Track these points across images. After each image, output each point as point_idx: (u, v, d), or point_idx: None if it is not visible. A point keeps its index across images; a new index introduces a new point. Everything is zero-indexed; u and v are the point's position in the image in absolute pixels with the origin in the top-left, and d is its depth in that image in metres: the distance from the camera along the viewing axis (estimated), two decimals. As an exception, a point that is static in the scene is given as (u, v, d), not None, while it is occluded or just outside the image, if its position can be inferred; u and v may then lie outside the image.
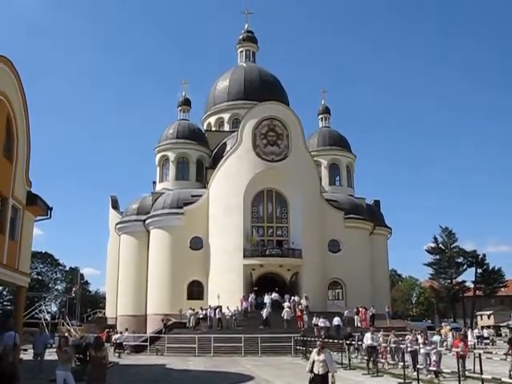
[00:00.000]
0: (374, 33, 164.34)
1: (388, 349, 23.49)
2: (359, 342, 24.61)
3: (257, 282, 45.89)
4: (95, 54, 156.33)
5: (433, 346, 20.09)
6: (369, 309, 41.41)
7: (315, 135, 57.55)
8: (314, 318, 37.24)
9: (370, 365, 21.71)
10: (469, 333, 36.52)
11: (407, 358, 20.33)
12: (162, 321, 39.56)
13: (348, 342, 25.11)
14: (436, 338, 22.35)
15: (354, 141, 77.12)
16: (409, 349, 20.57)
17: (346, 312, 39.88)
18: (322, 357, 13.11)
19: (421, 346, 20.15)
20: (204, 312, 39.79)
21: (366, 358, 22.88)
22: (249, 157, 47.58)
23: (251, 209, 47.69)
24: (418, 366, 18.54)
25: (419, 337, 21.33)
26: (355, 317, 40.56)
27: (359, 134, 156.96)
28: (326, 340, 27.24)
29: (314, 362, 13.28)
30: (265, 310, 38.85)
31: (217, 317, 38.78)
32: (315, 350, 13.40)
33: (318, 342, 13.68)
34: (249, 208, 47.32)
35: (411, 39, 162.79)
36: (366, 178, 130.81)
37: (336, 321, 38.07)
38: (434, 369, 18.73)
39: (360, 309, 40.99)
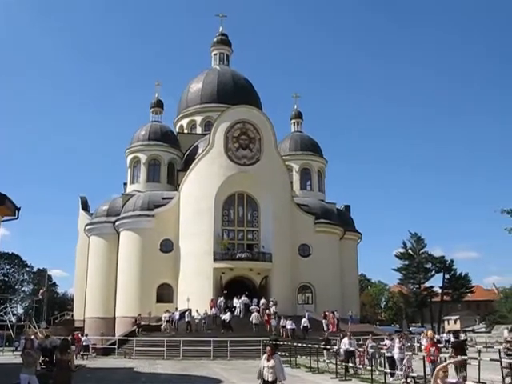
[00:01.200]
0: (348, 37, 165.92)
1: (365, 354, 23.24)
2: (335, 347, 24.24)
3: (226, 285, 45.80)
4: (65, 53, 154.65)
5: (409, 352, 20.00)
6: (335, 313, 41.67)
7: (287, 140, 57.76)
8: (282, 320, 37.68)
9: (351, 370, 21.61)
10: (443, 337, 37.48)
11: (385, 362, 20.52)
12: (135, 321, 39.23)
13: (327, 346, 25.00)
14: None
15: (325, 146, 77.89)
16: (386, 354, 20.54)
17: (306, 315, 39.96)
18: (271, 363, 12.60)
19: (397, 350, 20.01)
20: (168, 315, 39.36)
21: (343, 362, 22.58)
22: (220, 160, 47.55)
23: (222, 212, 47.63)
24: (397, 372, 18.64)
25: (396, 341, 20.95)
26: (323, 321, 40.86)
27: (331, 139, 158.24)
28: (300, 344, 27.57)
29: (263, 367, 12.69)
30: (227, 314, 38.91)
31: (186, 320, 38.70)
32: (264, 356, 12.89)
33: (267, 348, 13.14)
34: (220, 211, 47.26)
35: (385, 44, 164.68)
36: (337, 183, 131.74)
37: (304, 322, 38.67)
38: (409, 374, 18.60)
39: (327, 313, 41.29)
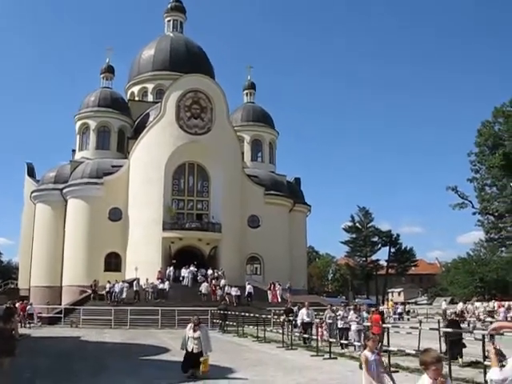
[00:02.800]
0: (303, 12, 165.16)
1: (324, 325, 22.19)
2: (294, 318, 23.81)
3: (175, 255, 45.80)
4: (12, 15, 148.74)
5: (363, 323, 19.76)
6: (277, 284, 42.31)
7: (239, 110, 57.51)
8: (227, 287, 38.25)
9: (314, 342, 20.58)
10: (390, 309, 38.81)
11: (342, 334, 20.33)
12: (91, 286, 38.79)
13: (288, 318, 24.09)
14: (365, 314, 21.81)
15: (277, 118, 77.66)
16: (339, 325, 20.36)
17: (247, 288, 40.54)
18: (197, 333, 12.34)
19: (352, 322, 19.76)
20: (108, 286, 38.68)
21: (301, 334, 22.29)
22: (171, 129, 47.07)
23: (172, 181, 47.36)
24: (355, 343, 18.45)
25: (351, 313, 20.75)
26: (268, 291, 41.53)
27: (283, 112, 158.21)
28: (248, 314, 27.88)
29: (187, 338, 12.51)
30: (165, 283, 39.01)
31: (134, 289, 38.61)
32: (190, 326, 12.61)
33: (193, 318, 12.88)
34: (170, 180, 46.97)
35: (337, 20, 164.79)
36: (287, 156, 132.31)
37: (248, 288, 39.34)
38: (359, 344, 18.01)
39: (272, 284, 41.97)
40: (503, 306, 36.24)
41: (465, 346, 14.77)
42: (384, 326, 18.33)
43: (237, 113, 56.70)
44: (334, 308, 23.87)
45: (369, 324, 18.86)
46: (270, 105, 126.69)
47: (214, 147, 47.38)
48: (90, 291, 39.53)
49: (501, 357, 4.65)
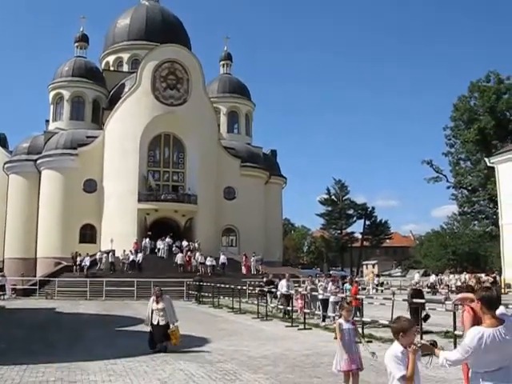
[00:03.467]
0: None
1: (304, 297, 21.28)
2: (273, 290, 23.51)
3: (151, 226, 45.71)
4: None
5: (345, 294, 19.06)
6: (251, 255, 42.61)
7: (216, 81, 56.98)
8: (201, 258, 38.54)
9: (294, 314, 20.24)
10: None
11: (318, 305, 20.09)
12: (72, 257, 38.49)
13: (268, 288, 23.87)
14: (347, 285, 21.16)
15: (253, 90, 77.31)
16: (320, 296, 19.70)
17: (221, 258, 40.82)
18: (160, 305, 12.01)
19: (331, 294, 19.08)
20: (79, 259, 38.21)
21: (281, 305, 22.01)
22: (147, 99, 46.51)
23: (147, 153, 47.03)
24: (331, 315, 18.06)
25: (330, 284, 20.08)
26: (242, 263, 41.82)
27: (260, 83, 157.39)
28: (223, 285, 28.00)
29: (151, 311, 12.14)
30: (138, 255, 38.97)
31: (110, 260, 38.53)
32: (152, 298, 12.23)
33: (155, 289, 12.47)
34: (145, 152, 46.60)
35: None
36: (264, 128, 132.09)
37: (222, 259, 39.66)
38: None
39: (244, 256, 42.31)
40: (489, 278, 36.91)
41: (429, 316, 15.05)
42: (358, 297, 18.53)
43: (213, 84, 56.18)
44: (315, 280, 23.74)
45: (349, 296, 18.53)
46: (246, 76, 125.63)
47: (190, 118, 46.99)
48: (65, 263, 39.32)
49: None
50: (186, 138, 47.72)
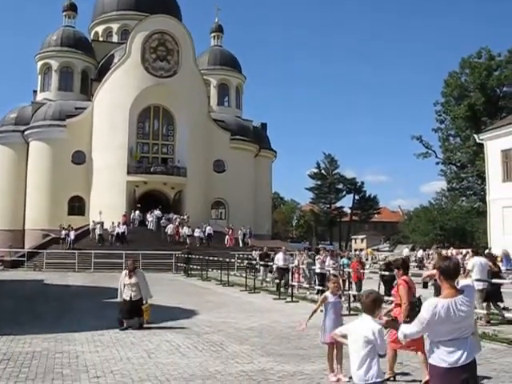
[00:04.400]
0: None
1: (301, 271, 21.42)
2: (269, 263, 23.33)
3: (140, 199, 45.62)
4: None
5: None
6: (239, 228, 42.77)
7: (206, 53, 56.39)
8: (187, 229, 38.70)
9: (289, 289, 19.54)
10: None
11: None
12: (65, 229, 38.33)
13: (264, 262, 23.88)
14: (345, 260, 20.93)
15: (245, 62, 76.64)
16: (317, 270, 19.08)
17: (207, 229, 40.91)
18: (133, 279, 11.49)
19: (330, 267, 18.53)
20: (64, 233, 37.92)
21: (276, 279, 21.13)
22: (137, 71, 46.01)
23: (137, 125, 46.73)
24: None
25: (328, 259, 19.72)
26: (226, 236, 42.04)
27: (251, 56, 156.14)
28: (212, 258, 28.07)
29: (123, 285, 11.58)
30: (122, 227, 38.95)
31: (98, 233, 38.50)
32: (125, 272, 11.70)
33: (128, 262, 11.99)
34: (134, 124, 46.28)
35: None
36: (254, 101, 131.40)
37: (208, 229, 39.81)
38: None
39: (230, 229, 42.53)
40: (461, 254, 37.26)
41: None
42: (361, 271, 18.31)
43: (204, 56, 55.60)
44: (311, 253, 23.37)
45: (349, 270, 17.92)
46: (237, 49, 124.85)
47: (179, 90, 46.59)
48: (53, 235, 39.25)
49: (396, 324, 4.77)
50: (175, 110, 47.39)
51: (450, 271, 4.22)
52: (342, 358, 7.13)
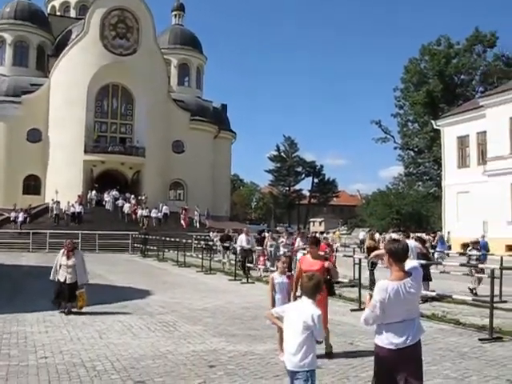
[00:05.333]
0: None
1: (266, 252, 20.66)
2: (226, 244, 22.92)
3: (98, 178, 44.99)
4: None
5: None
6: (195, 209, 42.80)
7: (167, 32, 55.52)
8: (145, 211, 38.54)
9: (254, 272, 19.57)
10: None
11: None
12: (26, 210, 37.42)
13: (226, 244, 23.07)
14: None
15: (206, 42, 75.86)
16: (281, 252, 17.78)
17: (164, 209, 40.78)
18: (71, 261, 10.68)
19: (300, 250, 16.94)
20: (14, 215, 36.92)
21: (239, 261, 20.46)
22: (95, 48, 45.03)
23: (95, 103, 45.88)
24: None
25: (299, 240, 18.55)
26: (181, 216, 41.89)
27: (212, 36, 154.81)
28: (169, 238, 27.89)
29: (59, 266, 10.77)
30: (78, 207, 38.29)
31: (54, 212, 37.82)
32: (62, 252, 10.85)
33: (66, 241, 11.04)
34: (92, 102, 45.43)
35: None
36: (215, 81, 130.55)
37: (164, 209, 39.72)
38: None
39: (183, 209, 42.55)
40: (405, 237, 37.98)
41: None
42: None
43: (164, 35, 54.73)
44: (275, 236, 23.20)
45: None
46: (199, 29, 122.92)
47: (139, 69, 45.79)
48: (7, 214, 38.29)
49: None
50: (134, 89, 46.68)
51: (399, 254, 4.24)
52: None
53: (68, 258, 10.82)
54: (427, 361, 7.21)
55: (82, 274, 10.94)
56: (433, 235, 36.53)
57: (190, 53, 55.11)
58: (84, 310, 11.22)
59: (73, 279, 10.75)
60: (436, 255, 20.28)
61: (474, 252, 14.63)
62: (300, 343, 4.28)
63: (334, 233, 45.46)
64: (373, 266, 13.90)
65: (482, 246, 24.07)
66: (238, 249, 20.93)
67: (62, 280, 10.76)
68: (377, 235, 46.14)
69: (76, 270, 10.80)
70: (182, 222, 40.99)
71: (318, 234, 24.69)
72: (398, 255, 4.23)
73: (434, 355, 7.58)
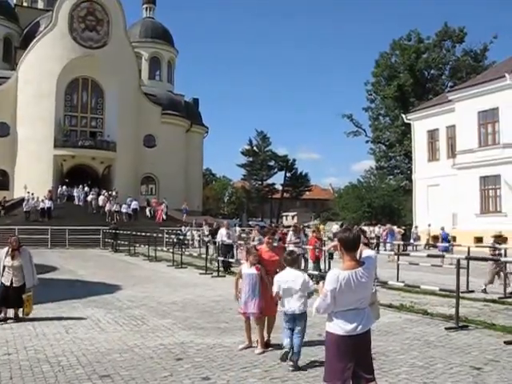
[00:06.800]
0: None
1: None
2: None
3: (68, 173, 44.50)
4: None
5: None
6: (163, 202, 42.94)
7: (138, 25, 55.07)
8: (115, 205, 38.27)
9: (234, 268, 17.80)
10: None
11: None
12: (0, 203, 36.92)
13: (213, 239, 21.73)
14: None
15: (177, 36, 75.34)
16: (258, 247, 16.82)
17: (133, 204, 40.52)
18: (17, 262, 9.37)
19: (291, 243, 16.61)
20: None
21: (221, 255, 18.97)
22: (64, 41, 44.39)
23: (64, 97, 45.30)
24: None
25: (290, 234, 17.92)
26: (147, 208, 41.96)
27: (184, 30, 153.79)
28: (140, 233, 27.66)
29: (2, 268, 9.40)
30: (47, 202, 37.74)
31: (24, 209, 37.24)
32: (6, 250, 9.54)
33: (11, 238, 9.73)
34: (62, 96, 44.83)
35: None
36: (186, 75, 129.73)
37: (134, 205, 39.46)
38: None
39: (152, 201, 42.41)
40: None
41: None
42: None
43: (135, 28, 54.28)
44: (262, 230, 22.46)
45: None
46: (170, 22, 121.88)
47: (109, 62, 45.31)
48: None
49: None
50: (105, 83, 46.18)
51: (350, 243, 4.25)
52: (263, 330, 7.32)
53: (13, 258, 9.45)
54: (395, 350, 7.33)
55: (30, 275, 9.57)
56: (404, 228, 37.10)
57: (161, 46, 54.75)
58: (51, 304, 11.07)
59: (20, 282, 9.43)
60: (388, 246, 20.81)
61: (496, 246, 13.93)
62: (298, 297, 6.61)
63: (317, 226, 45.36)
64: (332, 256, 13.90)
65: (443, 238, 24.57)
66: (219, 243, 19.91)
67: (7, 283, 9.42)
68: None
69: (23, 272, 9.48)
70: (158, 216, 40.90)
71: (309, 226, 24.13)
72: (348, 244, 4.25)
73: (402, 345, 7.67)
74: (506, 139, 32.09)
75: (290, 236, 17.62)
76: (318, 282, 8.67)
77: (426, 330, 8.74)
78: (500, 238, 14.10)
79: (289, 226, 37.23)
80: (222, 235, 19.88)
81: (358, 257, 4.30)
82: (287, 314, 6.65)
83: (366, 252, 4.44)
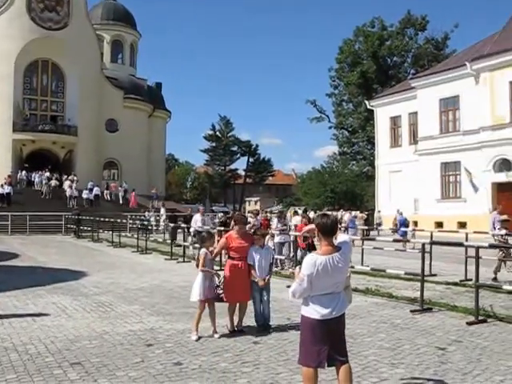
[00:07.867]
0: None
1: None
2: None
3: (28, 158, 43.62)
4: None
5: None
6: (121, 186, 43.34)
7: (99, 7, 54.08)
8: (76, 191, 37.91)
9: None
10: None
11: None
12: None
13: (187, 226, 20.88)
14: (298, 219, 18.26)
15: (140, 19, 74.19)
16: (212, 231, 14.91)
17: (95, 189, 40.02)
18: None
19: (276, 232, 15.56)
20: None
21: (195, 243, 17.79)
22: (22, 21, 43.21)
23: (23, 79, 44.26)
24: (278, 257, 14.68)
25: (276, 221, 16.95)
26: (105, 191, 41.84)
27: (146, 12, 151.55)
28: (103, 218, 27.36)
29: None
30: (7, 188, 36.81)
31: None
32: None
33: None
34: (20, 78, 43.80)
35: None
36: (149, 59, 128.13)
37: (96, 190, 39.11)
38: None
39: (112, 185, 42.22)
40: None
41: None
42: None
43: (96, 10, 53.28)
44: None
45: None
46: (132, 4, 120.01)
47: (70, 44, 44.37)
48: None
49: None
50: (65, 66, 45.29)
51: (327, 228, 4.32)
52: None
53: None
54: (362, 333, 7.45)
55: None
56: (366, 213, 37.59)
57: (124, 29, 53.96)
58: (14, 292, 10.88)
59: None
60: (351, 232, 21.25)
61: (504, 231, 13.92)
62: (269, 265, 7.67)
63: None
64: (305, 240, 13.90)
65: (401, 223, 24.84)
66: (192, 230, 19.39)
67: None
68: (312, 213, 47.13)
69: None
70: (131, 201, 40.67)
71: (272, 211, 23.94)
72: (326, 229, 4.32)
73: (369, 327, 7.81)
74: (466, 126, 32.76)
75: (276, 223, 16.88)
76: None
77: (391, 312, 8.91)
78: (507, 223, 14.10)
79: (251, 211, 37.31)
80: (197, 221, 19.23)
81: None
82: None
83: (342, 237, 4.51)
